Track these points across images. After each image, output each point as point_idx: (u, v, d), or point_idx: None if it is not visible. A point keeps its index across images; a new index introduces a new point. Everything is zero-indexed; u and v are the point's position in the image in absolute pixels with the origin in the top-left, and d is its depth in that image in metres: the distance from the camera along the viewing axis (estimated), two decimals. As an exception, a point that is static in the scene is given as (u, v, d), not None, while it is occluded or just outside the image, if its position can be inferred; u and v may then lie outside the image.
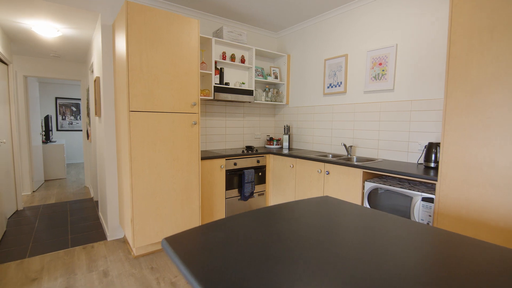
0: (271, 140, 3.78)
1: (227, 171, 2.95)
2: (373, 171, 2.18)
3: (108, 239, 2.79)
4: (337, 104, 3.16)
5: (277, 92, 3.85)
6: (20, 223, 3.26)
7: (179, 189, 2.51)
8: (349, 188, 2.39)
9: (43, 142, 5.91)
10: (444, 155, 1.77)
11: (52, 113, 7.52)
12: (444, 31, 2.22)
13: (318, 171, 2.68)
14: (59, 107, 7.60)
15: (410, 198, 1.96)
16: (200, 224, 2.67)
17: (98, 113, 3.03)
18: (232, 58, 3.33)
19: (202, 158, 2.73)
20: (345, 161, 2.52)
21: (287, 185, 3.09)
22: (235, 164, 3.00)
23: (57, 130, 7.63)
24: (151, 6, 2.81)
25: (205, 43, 3.15)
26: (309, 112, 3.52)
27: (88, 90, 4.59)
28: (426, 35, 2.34)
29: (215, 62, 3.15)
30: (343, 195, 2.45)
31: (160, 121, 2.36)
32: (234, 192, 3.04)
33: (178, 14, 2.43)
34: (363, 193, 2.30)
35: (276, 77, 3.80)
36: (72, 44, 3.68)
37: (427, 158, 2.19)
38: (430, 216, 1.86)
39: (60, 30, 3.07)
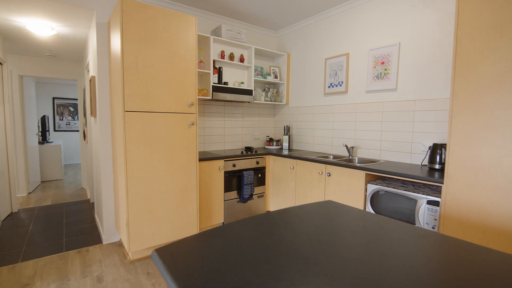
0: (270, 140, 3.71)
1: (225, 172, 2.88)
2: (376, 173, 2.12)
3: (104, 242, 2.72)
4: (338, 104, 3.09)
5: (276, 92, 3.78)
6: (14, 226, 3.19)
7: (176, 192, 2.44)
8: (351, 190, 2.33)
9: (39, 142, 5.83)
10: (450, 157, 1.70)
11: (49, 113, 7.44)
12: (450, 29, 2.16)
13: (319, 173, 2.62)
14: (57, 107, 7.52)
15: (414, 201, 1.90)
16: (198, 226, 2.60)
17: (93, 113, 2.96)
18: (231, 57, 3.27)
19: (200, 159, 2.66)
20: (346, 162, 2.45)
21: (287, 187, 3.03)
22: (234, 165, 2.93)
23: (55, 130, 7.55)
24: (147, 3, 2.74)
25: (203, 42, 3.08)
26: (309, 112, 3.45)
27: (84, 90, 4.52)
28: (431, 33, 2.27)
29: (214, 61, 3.08)
30: (344, 198, 2.39)
31: (156, 122, 2.29)
32: (233, 194, 2.98)
33: (175, 11, 2.37)
34: (365, 195, 2.24)
35: (275, 77, 3.73)
36: (68, 43, 3.61)
37: (432, 160, 2.13)
38: (435, 219, 1.79)
39: (54, 28, 3.00)
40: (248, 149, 3.42)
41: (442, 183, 1.74)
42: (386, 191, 2.06)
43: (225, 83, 3.18)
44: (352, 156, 2.88)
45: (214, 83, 3.05)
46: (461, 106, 1.64)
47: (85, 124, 4.42)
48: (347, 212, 1.12)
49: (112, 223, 2.74)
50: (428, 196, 1.83)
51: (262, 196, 3.25)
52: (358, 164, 2.29)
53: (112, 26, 2.38)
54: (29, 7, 2.46)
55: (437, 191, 1.92)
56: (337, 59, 3.05)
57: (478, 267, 0.69)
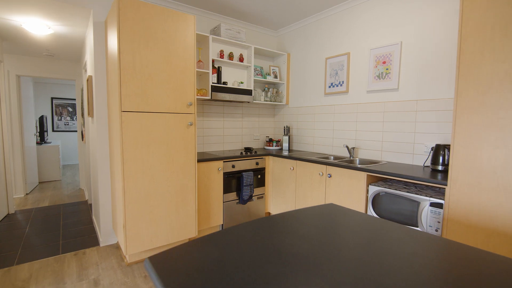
0: (270, 141, 3.67)
1: (225, 173, 2.84)
2: (378, 174, 2.08)
3: (101, 244, 2.68)
4: (338, 104, 3.05)
5: (276, 92, 3.74)
6: (10, 227, 3.15)
7: (174, 193, 2.40)
8: (352, 191, 2.29)
9: (37, 143, 5.79)
10: (454, 158, 1.66)
11: (47, 113, 7.40)
12: (453, 27, 2.12)
13: (319, 174, 2.58)
14: (55, 107, 7.48)
15: (417, 203, 1.86)
16: (196, 228, 2.56)
17: (90, 113, 2.93)
18: (230, 56, 3.23)
19: (199, 160, 2.62)
20: (347, 163, 2.41)
21: (287, 188, 2.99)
22: (233, 166, 2.89)
23: (53, 131, 7.51)
24: (145, 1, 2.70)
25: (202, 41, 3.04)
26: (309, 113, 3.41)
27: (82, 90, 4.48)
28: (433, 31, 2.23)
29: (213, 61, 3.05)
30: (346, 199, 2.35)
31: (154, 122, 2.25)
32: (232, 195, 2.94)
33: (173, 10, 2.33)
34: (367, 197, 2.20)
35: (275, 77, 3.69)
36: (65, 42, 3.57)
37: (435, 161, 2.09)
38: (439, 222, 1.76)
39: (51, 27, 2.96)
40: (248, 149, 3.38)
41: (446, 185, 1.71)
42: (388, 193, 2.02)
43: (225, 83, 3.14)
44: (353, 157, 2.84)
45: (213, 83, 3.01)
46: (466, 106, 1.60)
47: (83, 125, 4.38)
48: (351, 217, 1.08)
49: (110, 225, 2.70)
50: (431, 198, 1.79)
51: (262, 197, 3.21)
52: (359, 165, 2.25)
53: (109, 25, 2.34)
54: (24, 5, 2.42)
55: (441, 193, 1.88)
56: (337, 58, 3.02)
57: (478, 269, 0.65)
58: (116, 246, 2.66)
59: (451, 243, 0.83)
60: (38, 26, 2.86)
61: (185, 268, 0.67)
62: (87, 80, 3.08)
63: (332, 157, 2.94)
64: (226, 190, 2.88)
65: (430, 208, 1.79)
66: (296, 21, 3.46)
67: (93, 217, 3.30)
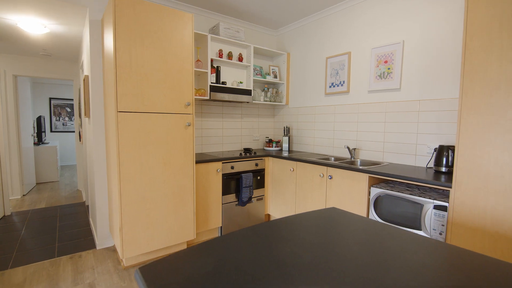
0: (270, 142, 3.62)
1: (223, 175, 2.79)
2: (380, 176, 2.03)
3: (98, 247, 2.63)
4: (339, 104, 3.00)
5: (276, 92, 3.69)
6: (5, 229, 3.09)
7: (172, 195, 2.35)
8: (354, 193, 2.24)
9: (35, 143, 5.74)
10: (459, 160, 1.62)
11: (46, 114, 7.34)
12: (457, 24, 2.08)
13: (320, 175, 2.53)
14: (54, 108, 7.43)
15: (420, 206, 1.81)
16: (195, 231, 2.51)
17: (87, 113, 2.88)
18: (229, 56, 3.18)
19: (197, 162, 2.57)
20: (349, 164, 2.36)
21: (287, 189, 2.94)
22: (232, 167, 2.84)
23: (51, 131, 7.46)
24: None
25: (200, 40, 2.99)
26: (310, 113, 3.36)
27: (80, 90, 4.43)
28: (437, 30, 2.19)
29: (211, 60, 3.00)
30: (347, 201, 2.30)
31: (151, 123, 2.20)
32: (231, 197, 2.89)
33: (171, 8, 2.28)
34: (368, 199, 2.15)
35: (275, 76, 3.64)
36: (62, 42, 3.52)
37: (438, 162, 2.04)
38: (443, 225, 1.71)
39: (47, 26, 2.91)
40: (247, 150, 3.33)
41: (450, 187, 1.66)
42: (390, 195, 1.97)
43: (223, 83, 3.09)
44: (354, 158, 2.79)
45: (212, 82, 2.96)
46: (471, 106, 1.56)
47: (81, 125, 4.33)
48: (355, 223, 1.03)
49: (106, 228, 2.65)
50: (435, 201, 1.74)
51: (262, 199, 3.16)
52: (360, 167, 2.20)
53: (105, 23, 2.29)
54: (19, 3, 2.37)
55: (444, 195, 1.83)
56: (338, 58, 2.97)
57: (482, 276, 0.61)
58: (113, 249, 2.61)
59: (461, 251, 0.79)
60: (34, 25, 2.81)
61: (177, 281, 0.62)
62: (84, 80, 3.04)
63: (332, 158, 2.90)
64: (225, 191, 2.83)
65: (434, 211, 1.74)
66: (296, 20, 3.42)
67: (90, 219, 3.25)
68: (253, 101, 3.32)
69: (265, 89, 3.60)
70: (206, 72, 2.91)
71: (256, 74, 3.45)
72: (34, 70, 4.36)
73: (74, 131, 7.74)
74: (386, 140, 2.57)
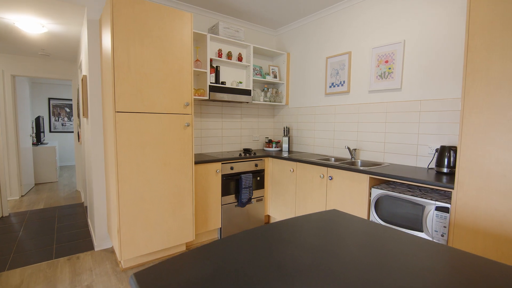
0: (270, 142, 3.60)
1: (223, 176, 2.77)
2: (381, 177, 2.01)
3: (96, 249, 2.60)
4: (339, 104, 2.98)
5: (276, 92, 3.67)
6: (3, 231, 3.07)
7: (171, 196, 2.33)
8: (354, 194, 2.22)
9: (33, 144, 5.71)
10: (461, 160, 1.60)
11: (45, 114, 7.32)
12: (459, 23, 2.06)
13: (320, 176, 2.51)
14: (53, 108, 7.40)
15: (422, 207, 1.79)
16: (194, 232, 2.49)
17: (85, 114, 2.85)
18: (229, 56, 3.16)
19: (196, 162, 2.55)
20: (349, 165, 2.34)
21: (287, 190, 2.92)
22: (231, 168, 2.82)
23: (50, 131, 7.43)
24: None
25: (199, 40, 2.97)
26: (310, 113, 3.34)
27: (78, 90, 4.41)
28: (438, 29, 2.17)
29: (211, 60, 2.98)
30: (347, 202, 2.28)
31: (149, 123, 2.18)
32: (231, 198, 2.86)
33: (170, 7, 2.26)
34: (369, 200, 2.13)
35: (275, 76, 3.62)
36: (60, 42, 3.50)
37: (439, 163, 2.02)
38: (445, 227, 1.69)
39: (45, 26, 2.89)
40: (247, 151, 3.31)
41: (452, 188, 1.64)
42: (391, 196, 1.95)
43: (223, 83, 3.07)
44: (354, 159, 2.77)
45: (211, 82, 2.94)
46: (474, 106, 1.54)
47: (79, 125, 4.31)
48: (357, 226, 1.01)
49: (105, 229, 2.63)
50: (436, 202, 1.72)
51: (261, 200, 3.14)
52: (361, 167, 2.18)
53: (103, 22, 2.27)
54: (16, 2, 2.34)
55: (446, 196, 1.81)
56: (338, 58, 2.95)
57: (482, 279, 0.59)
58: (111, 251, 2.59)
59: (461, 254, 0.77)
60: (32, 25, 2.79)
61: (174, 287, 0.60)
62: (82, 79, 3.01)
63: (333, 158, 2.88)
64: (225, 192, 2.80)
65: (436, 212, 1.72)
66: (296, 20, 3.40)
67: (89, 220, 3.22)
68: (253, 101, 3.30)
69: (265, 89, 3.58)
70: (205, 72, 2.89)
71: (256, 74, 3.43)
72: (32, 70, 4.33)
73: (73, 132, 7.72)
74: (387, 141, 2.55)
